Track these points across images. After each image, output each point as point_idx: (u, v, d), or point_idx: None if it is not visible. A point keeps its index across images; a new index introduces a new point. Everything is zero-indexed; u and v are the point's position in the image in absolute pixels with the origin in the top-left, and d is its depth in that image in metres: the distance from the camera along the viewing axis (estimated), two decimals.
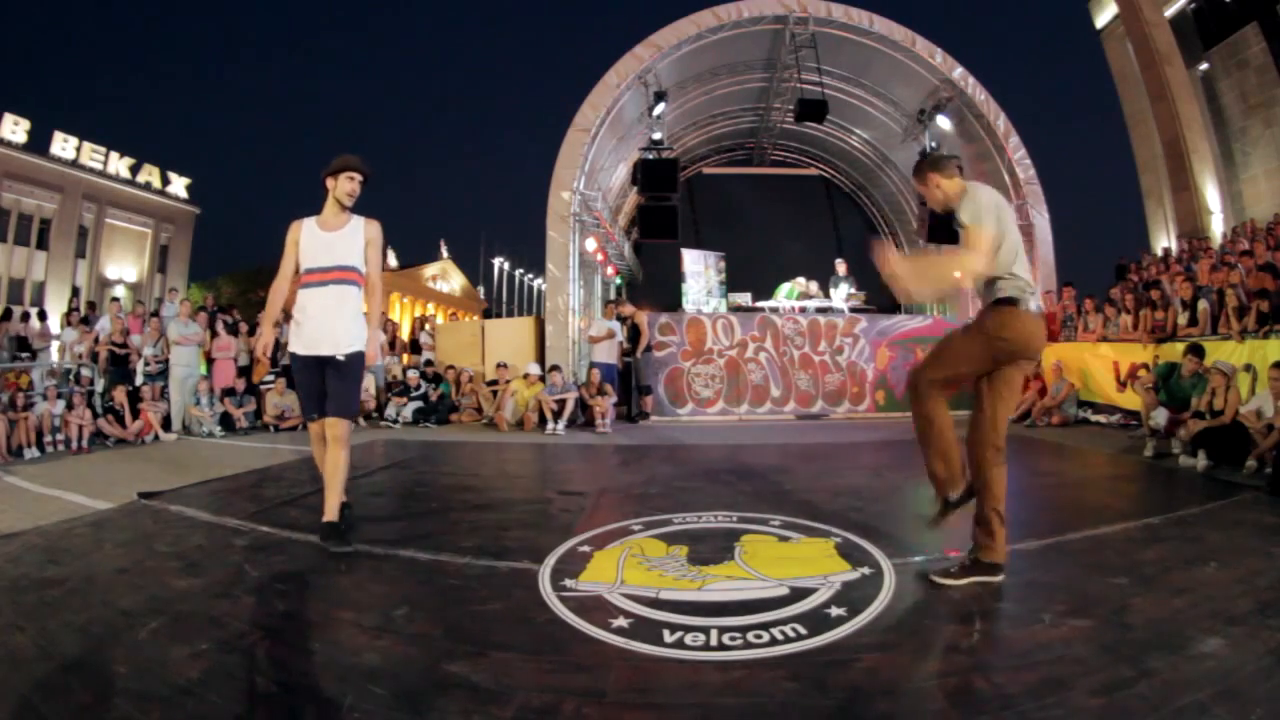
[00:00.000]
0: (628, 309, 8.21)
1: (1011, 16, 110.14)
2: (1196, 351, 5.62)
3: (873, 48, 10.15)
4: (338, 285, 2.85)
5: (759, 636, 1.86)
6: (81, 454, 5.94)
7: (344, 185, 2.86)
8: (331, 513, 2.77)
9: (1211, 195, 18.89)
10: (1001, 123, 10.15)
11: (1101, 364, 7.52)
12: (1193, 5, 20.28)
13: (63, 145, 23.35)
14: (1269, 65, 18.12)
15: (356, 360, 2.88)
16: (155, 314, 8.38)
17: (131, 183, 25.46)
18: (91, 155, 24.14)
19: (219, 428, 7.08)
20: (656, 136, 9.18)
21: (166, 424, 6.90)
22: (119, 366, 7.52)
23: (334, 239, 2.87)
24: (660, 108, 9.24)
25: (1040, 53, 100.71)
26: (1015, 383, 2.44)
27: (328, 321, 2.84)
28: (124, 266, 25.37)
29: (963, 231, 2.36)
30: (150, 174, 26.11)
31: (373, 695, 1.55)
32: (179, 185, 27.14)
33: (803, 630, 1.91)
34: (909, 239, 13.39)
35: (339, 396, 2.86)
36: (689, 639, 1.85)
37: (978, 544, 2.32)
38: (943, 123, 10.25)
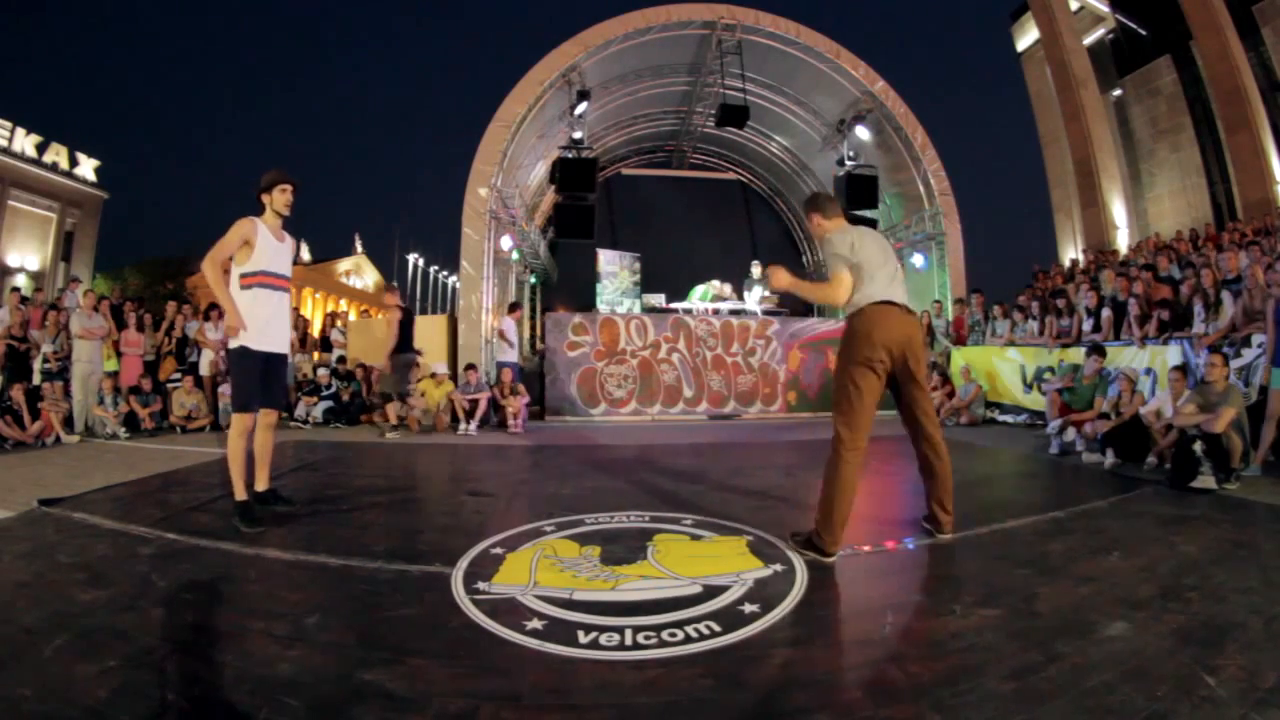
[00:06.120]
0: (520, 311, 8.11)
1: (936, 35, 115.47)
2: (1099, 352, 5.88)
3: (798, 57, 10.36)
4: (285, 293, 3.25)
5: (673, 635, 1.87)
6: None
7: (281, 198, 3.18)
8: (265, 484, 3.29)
9: (1118, 211, 20.14)
10: (920, 136, 10.48)
11: (1009, 367, 7.85)
12: (1110, 35, 21.61)
13: None
14: (1179, 95, 19.44)
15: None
16: (54, 306, 7.76)
17: (38, 162, 23.40)
18: None
19: (124, 429, 6.66)
20: (577, 135, 9.11)
21: (68, 425, 6.41)
22: (17, 362, 6.90)
23: (283, 249, 3.24)
24: (582, 106, 9.17)
25: (961, 71, 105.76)
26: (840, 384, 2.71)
27: (280, 324, 3.19)
28: (26, 254, 23.39)
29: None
30: (58, 154, 24.02)
31: (288, 707, 1.51)
32: (87, 167, 25.03)
33: (717, 628, 1.92)
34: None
35: (283, 390, 3.48)
36: (604, 639, 1.85)
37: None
38: (862, 133, 10.53)
